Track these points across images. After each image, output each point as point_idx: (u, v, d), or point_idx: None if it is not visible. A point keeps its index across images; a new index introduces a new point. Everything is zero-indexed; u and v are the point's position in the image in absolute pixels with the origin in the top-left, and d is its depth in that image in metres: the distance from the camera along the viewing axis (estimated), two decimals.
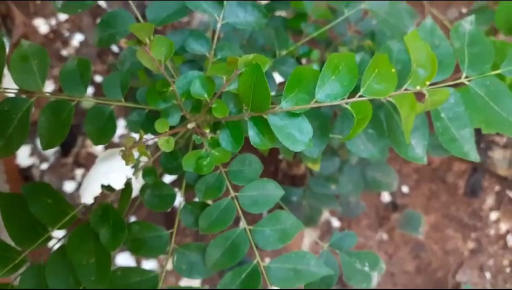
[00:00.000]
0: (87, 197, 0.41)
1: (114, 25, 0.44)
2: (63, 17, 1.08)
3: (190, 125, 0.39)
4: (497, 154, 1.20)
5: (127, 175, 0.42)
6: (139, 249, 0.44)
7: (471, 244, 1.18)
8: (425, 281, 1.15)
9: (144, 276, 0.44)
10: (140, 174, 0.45)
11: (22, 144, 0.42)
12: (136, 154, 0.39)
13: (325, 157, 0.74)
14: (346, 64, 0.36)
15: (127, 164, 0.37)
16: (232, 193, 0.44)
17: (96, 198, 0.43)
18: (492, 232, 1.18)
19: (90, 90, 1.07)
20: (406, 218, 1.15)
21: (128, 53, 0.44)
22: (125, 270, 0.44)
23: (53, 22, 1.07)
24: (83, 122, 0.52)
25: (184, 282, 0.92)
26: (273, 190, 0.43)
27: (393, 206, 1.17)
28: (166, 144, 0.37)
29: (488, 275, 1.16)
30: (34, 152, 1.05)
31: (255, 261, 0.42)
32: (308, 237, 1.08)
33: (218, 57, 0.43)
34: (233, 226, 0.44)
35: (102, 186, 0.42)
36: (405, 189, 1.17)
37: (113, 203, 0.43)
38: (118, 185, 0.42)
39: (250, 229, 0.43)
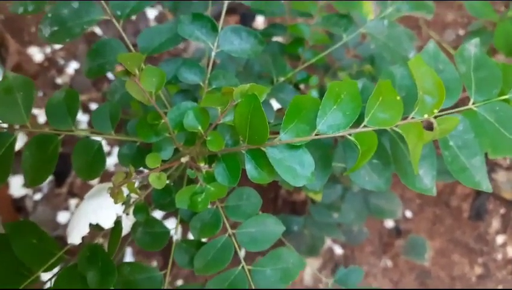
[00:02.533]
0: (75, 237, 0.39)
1: (104, 54, 0.42)
2: (58, 45, 1.07)
3: (184, 159, 0.37)
4: (501, 177, 1.18)
5: (117, 213, 0.39)
6: None
7: (478, 270, 1.15)
8: None
9: None
10: (131, 210, 0.42)
11: (5, 181, 0.40)
12: (125, 190, 0.36)
13: (327, 184, 0.71)
14: (348, 93, 0.34)
15: (116, 203, 0.34)
16: (230, 230, 0.41)
17: (84, 238, 0.40)
18: (499, 256, 1.15)
19: (85, 118, 1.06)
20: (410, 244, 1.12)
21: (119, 83, 0.42)
22: None
23: (48, 50, 1.07)
24: None
25: None
26: (273, 226, 0.40)
27: (397, 231, 1.14)
28: (157, 180, 0.34)
29: None
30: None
31: None
32: (310, 265, 1.05)
33: (213, 86, 0.41)
34: (231, 264, 0.41)
35: (91, 225, 0.39)
36: (408, 214, 1.14)
37: (103, 242, 0.40)
38: (108, 223, 0.39)
39: (249, 269, 0.40)
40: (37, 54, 1.05)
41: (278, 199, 1.06)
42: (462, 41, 0.42)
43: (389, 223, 1.14)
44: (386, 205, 0.78)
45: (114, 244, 0.38)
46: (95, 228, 0.39)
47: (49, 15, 0.41)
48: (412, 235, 1.12)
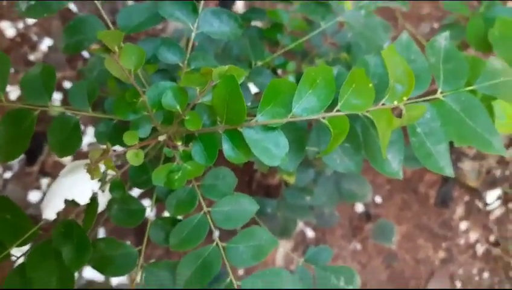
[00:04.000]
0: (49, 213, 0.39)
1: (82, 30, 0.42)
2: (31, 20, 1.04)
3: (161, 138, 0.38)
4: (467, 166, 1.23)
5: (92, 189, 0.39)
6: (105, 268, 0.41)
7: (441, 254, 1.20)
8: None
9: None
10: (107, 187, 0.43)
11: None
12: (102, 167, 0.37)
13: (300, 168, 0.73)
14: (323, 78, 0.35)
15: (92, 179, 0.35)
16: (205, 208, 0.42)
17: (59, 213, 0.40)
18: (462, 241, 1.21)
19: (58, 96, 1.03)
20: (379, 228, 1.16)
21: (97, 60, 0.42)
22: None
23: (20, 25, 1.03)
24: None
25: None
26: (248, 205, 0.42)
27: (367, 216, 1.17)
28: (135, 157, 0.35)
29: (458, 284, 1.18)
30: None
31: (228, 280, 0.41)
32: (283, 247, 1.07)
33: (192, 67, 0.41)
34: (205, 242, 0.42)
35: (66, 201, 0.39)
36: (378, 199, 1.18)
37: (78, 219, 0.41)
38: (83, 199, 0.39)
39: (223, 246, 0.41)
40: (8, 29, 1.02)
41: (253, 183, 1.08)
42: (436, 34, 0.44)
43: (360, 208, 1.17)
44: (357, 189, 0.81)
45: (90, 220, 0.39)
46: (71, 204, 0.40)
47: None
48: (381, 220, 1.16)
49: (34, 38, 1.04)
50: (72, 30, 0.42)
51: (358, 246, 1.16)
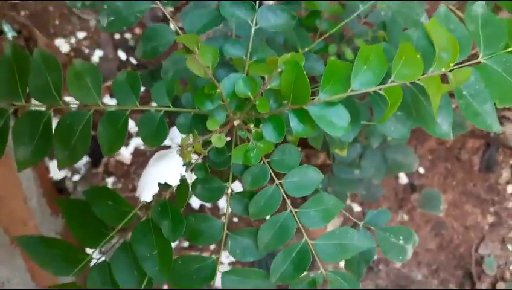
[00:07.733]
0: (146, 196, 0.46)
1: (155, 38, 0.48)
2: (81, 35, 1.13)
3: (236, 122, 0.44)
4: (509, 129, 1.23)
5: (180, 172, 0.46)
6: (196, 239, 0.48)
7: (490, 219, 1.21)
8: (449, 257, 1.18)
9: (203, 263, 0.48)
10: (189, 172, 0.49)
11: (84, 154, 0.47)
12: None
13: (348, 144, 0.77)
14: (375, 55, 0.40)
15: (184, 161, 0.41)
16: (276, 181, 0.48)
17: (154, 196, 0.47)
18: (511, 205, 1.21)
19: (113, 102, 1.12)
20: (425, 197, 1.18)
21: (170, 64, 0.49)
22: (185, 258, 0.48)
23: (73, 40, 1.12)
24: None
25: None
26: (314, 175, 0.47)
27: (412, 187, 1.20)
28: (218, 140, 0.41)
29: (510, 247, 1.19)
30: None
31: (304, 240, 0.47)
32: (332, 223, 1.12)
33: (254, 58, 0.47)
34: (279, 209, 0.48)
35: (159, 184, 0.46)
36: (421, 170, 1.20)
37: (170, 199, 0.47)
38: (173, 182, 0.46)
39: (296, 212, 0.47)
40: (63, 45, 1.11)
41: None
42: (466, 3, 0.47)
43: (403, 180, 1.20)
44: (403, 159, 0.85)
45: (182, 198, 0.45)
46: (163, 187, 0.46)
47: (105, 7, 0.47)
48: (427, 189, 1.18)
49: (86, 51, 1.13)
50: (147, 39, 0.48)
51: (406, 217, 1.19)
